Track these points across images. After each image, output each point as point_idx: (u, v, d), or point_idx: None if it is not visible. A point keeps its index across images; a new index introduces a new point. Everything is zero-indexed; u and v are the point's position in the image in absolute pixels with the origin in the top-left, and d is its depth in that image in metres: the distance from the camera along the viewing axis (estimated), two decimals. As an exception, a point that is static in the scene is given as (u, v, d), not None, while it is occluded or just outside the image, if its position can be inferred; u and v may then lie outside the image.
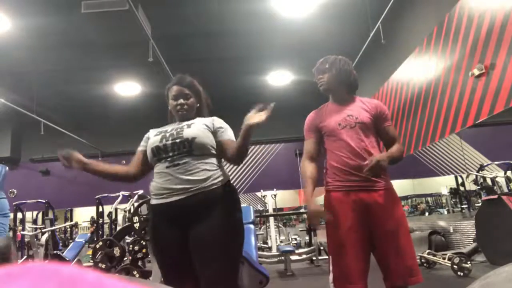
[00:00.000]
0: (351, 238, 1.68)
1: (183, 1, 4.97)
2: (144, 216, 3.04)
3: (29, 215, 8.80)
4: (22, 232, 6.25)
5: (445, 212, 8.99)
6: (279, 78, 7.48)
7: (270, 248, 6.64)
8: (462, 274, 3.78)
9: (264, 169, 8.84)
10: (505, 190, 5.32)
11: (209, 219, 1.55)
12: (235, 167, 8.55)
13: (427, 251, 4.66)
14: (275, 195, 7.64)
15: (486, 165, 6.60)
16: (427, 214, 9.38)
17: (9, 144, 8.48)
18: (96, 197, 7.36)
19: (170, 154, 1.63)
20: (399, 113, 5.00)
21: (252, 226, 3.66)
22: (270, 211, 7.29)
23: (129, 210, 4.93)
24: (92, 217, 8.69)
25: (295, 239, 8.41)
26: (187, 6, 5.05)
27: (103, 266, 3.40)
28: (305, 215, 8.94)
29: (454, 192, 8.35)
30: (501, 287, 0.52)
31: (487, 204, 4.45)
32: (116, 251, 3.45)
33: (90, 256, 3.78)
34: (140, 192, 5.14)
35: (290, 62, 6.87)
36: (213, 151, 1.68)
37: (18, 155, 8.79)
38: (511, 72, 2.80)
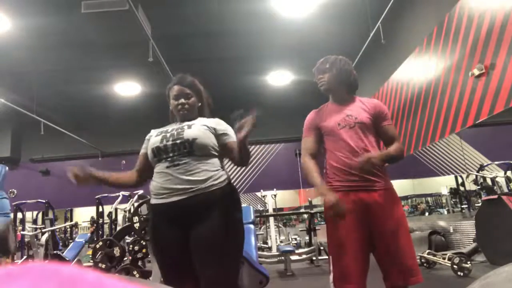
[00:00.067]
0: (351, 238, 1.68)
1: (183, 1, 4.97)
2: (144, 216, 3.04)
3: (29, 215, 8.81)
4: (22, 232, 6.25)
5: (445, 212, 8.99)
6: (279, 78, 7.48)
7: (270, 248, 6.64)
8: (462, 274, 3.78)
9: (264, 169, 8.84)
10: (505, 190, 5.32)
11: (210, 219, 1.55)
12: (235, 167, 8.55)
13: (427, 251, 4.66)
14: (275, 195, 7.64)
15: (486, 165, 6.60)
16: (427, 214, 9.38)
17: (9, 144, 8.49)
18: (96, 197, 7.36)
19: (171, 154, 1.63)
20: (399, 113, 5.00)
21: (252, 226, 3.66)
22: (270, 211, 7.29)
23: (129, 210, 4.93)
24: (92, 217, 8.69)
25: (295, 239, 8.41)
26: (187, 6, 5.06)
27: (103, 266, 3.40)
28: (305, 215, 8.94)
29: (454, 192, 8.35)
30: (501, 287, 0.52)
31: (487, 204, 4.45)
32: (116, 251, 3.45)
33: (90, 256, 3.78)
34: (140, 192, 5.14)
35: (290, 62, 6.87)
36: (214, 152, 1.68)
37: (18, 155, 8.79)
38: (511, 72, 2.80)
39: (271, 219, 7.05)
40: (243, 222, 1.68)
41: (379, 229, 1.69)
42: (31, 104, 7.02)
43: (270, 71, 7.20)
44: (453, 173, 8.05)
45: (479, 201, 6.41)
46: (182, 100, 1.76)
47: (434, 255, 4.43)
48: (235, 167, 8.55)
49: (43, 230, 5.04)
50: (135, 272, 3.32)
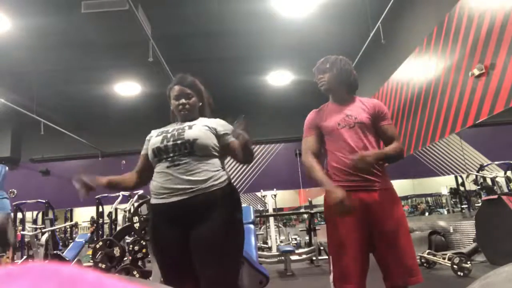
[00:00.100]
0: (351, 238, 1.68)
1: (183, 1, 4.97)
2: (144, 216, 3.04)
3: (29, 215, 8.81)
4: (22, 232, 6.25)
5: (445, 212, 9.00)
6: (279, 78, 7.48)
7: (270, 248, 6.64)
8: (462, 274, 3.78)
9: (264, 169, 8.84)
10: (505, 190, 5.32)
11: (210, 219, 1.55)
12: (235, 167, 8.56)
13: (427, 251, 4.66)
14: (275, 195, 7.64)
15: (486, 165, 6.60)
16: (427, 214, 9.39)
17: (9, 144, 8.49)
18: (96, 197, 7.36)
19: (171, 154, 1.63)
20: (399, 113, 5.00)
21: (252, 226, 3.66)
22: (270, 211, 7.29)
23: (129, 210, 4.93)
24: (92, 217, 8.69)
25: (295, 239, 8.42)
26: (187, 6, 5.06)
27: (103, 266, 3.40)
28: (305, 215, 8.95)
29: (454, 192, 8.36)
30: (501, 287, 0.52)
31: (487, 204, 4.45)
32: (116, 251, 3.45)
33: (90, 256, 3.78)
34: (140, 192, 5.14)
35: (290, 62, 6.87)
36: (215, 153, 1.68)
37: (18, 155, 8.80)
38: (511, 72, 2.80)
39: (271, 219, 7.05)
40: (243, 222, 1.68)
41: (379, 229, 1.69)
42: (31, 104, 7.02)
43: (270, 71, 7.20)
44: (453, 173, 8.05)
45: (479, 201, 6.41)
46: (183, 100, 1.76)
47: (434, 255, 4.43)
48: (235, 167, 8.60)
49: (43, 230, 5.04)
50: (135, 272, 3.32)
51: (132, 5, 4.16)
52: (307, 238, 7.14)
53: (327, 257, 3.49)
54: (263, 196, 7.71)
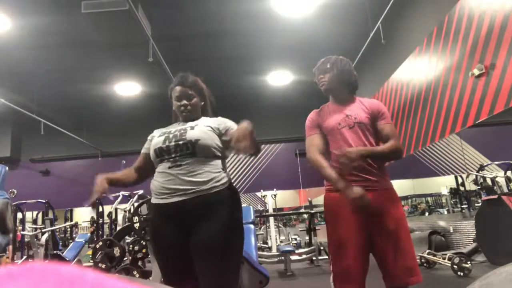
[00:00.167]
0: (351, 238, 1.67)
1: (183, 1, 4.97)
2: (144, 216, 3.04)
3: (29, 215, 8.80)
4: (22, 232, 6.25)
5: (445, 212, 8.99)
6: (279, 78, 7.48)
7: (270, 248, 6.64)
8: (462, 274, 3.78)
9: (264, 169, 8.85)
10: (505, 190, 5.32)
11: (210, 221, 1.55)
12: (235, 167, 8.56)
13: (427, 251, 4.66)
14: (275, 195, 7.64)
15: (486, 165, 6.60)
16: (427, 214, 9.38)
17: (9, 144, 8.49)
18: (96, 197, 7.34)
19: (173, 155, 1.62)
20: (399, 113, 5.00)
21: (252, 226, 3.66)
22: (270, 211, 7.29)
23: (129, 210, 4.92)
24: (92, 217, 8.69)
25: (295, 239, 8.42)
26: (187, 6, 5.06)
27: (103, 266, 3.41)
28: (305, 215, 8.94)
29: (454, 192, 8.35)
30: (501, 287, 0.52)
31: (487, 204, 4.45)
32: (116, 251, 3.45)
33: (90, 256, 3.78)
34: (140, 192, 5.14)
35: (290, 62, 6.87)
36: (217, 153, 1.67)
37: (18, 155, 8.80)
38: (511, 72, 2.80)
39: (271, 219, 7.05)
40: (243, 224, 1.67)
41: (379, 229, 1.69)
42: (31, 104, 7.02)
43: (270, 71, 7.20)
44: (453, 173, 8.04)
45: (479, 201, 6.41)
46: (185, 102, 1.75)
47: (434, 255, 4.43)
48: (235, 167, 8.60)
49: (43, 230, 5.04)
50: (135, 272, 3.32)
51: (132, 5, 4.16)
52: (307, 238, 7.14)
53: (327, 257, 3.51)
54: (263, 196, 7.72)
